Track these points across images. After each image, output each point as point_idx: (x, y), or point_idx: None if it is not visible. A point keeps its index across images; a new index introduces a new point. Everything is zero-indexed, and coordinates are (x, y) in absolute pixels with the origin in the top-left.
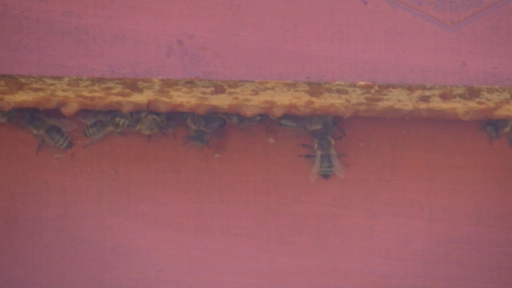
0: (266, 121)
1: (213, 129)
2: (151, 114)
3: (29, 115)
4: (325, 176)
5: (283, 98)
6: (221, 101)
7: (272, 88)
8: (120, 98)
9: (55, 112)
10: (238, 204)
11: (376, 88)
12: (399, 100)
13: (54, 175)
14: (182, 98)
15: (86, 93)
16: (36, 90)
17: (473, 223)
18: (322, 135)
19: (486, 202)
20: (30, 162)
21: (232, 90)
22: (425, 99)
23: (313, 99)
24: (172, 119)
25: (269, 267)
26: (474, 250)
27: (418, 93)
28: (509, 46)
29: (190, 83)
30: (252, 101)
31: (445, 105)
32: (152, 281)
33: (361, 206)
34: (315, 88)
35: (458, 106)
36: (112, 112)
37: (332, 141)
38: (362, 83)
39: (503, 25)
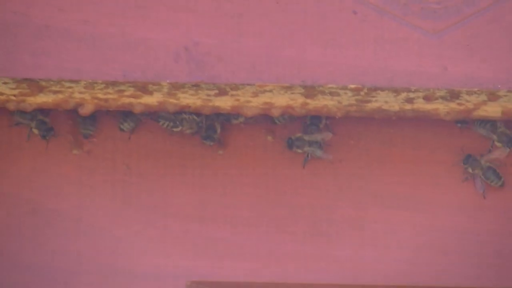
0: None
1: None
2: (191, 115)
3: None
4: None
5: (281, 100)
6: (224, 102)
7: (271, 91)
8: (132, 100)
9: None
10: (240, 196)
11: (365, 90)
12: (386, 101)
13: (72, 170)
14: (188, 99)
15: (100, 95)
16: (55, 92)
17: (454, 213)
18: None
19: (466, 194)
20: (50, 158)
21: (234, 92)
22: (410, 100)
23: (308, 100)
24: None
25: (268, 253)
26: (455, 238)
27: (403, 95)
28: (486, 52)
29: (196, 86)
30: (252, 102)
31: (428, 106)
32: (162, 265)
33: (351, 198)
34: (310, 91)
35: (440, 107)
36: (151, 114)
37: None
38: (352, 86)
39: (481, 33)
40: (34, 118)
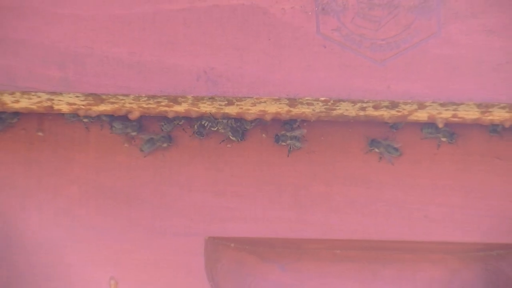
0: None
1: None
2: (226, 119)
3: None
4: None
5: (272, 108)
6: (231, 110)
7: (265, 102)
8: (166, 108)
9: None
10: (243, 177)
11: (332, 102)
12: (346, 109)
13: (124, 157)
14: (206, 108)
15: (144, 105)
16: (112, 103)
17: (397, 186)
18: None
19: (405, 170)
20: (109, 149)
21: (238, 103)
22: (363, 109)
23: (291, 109)
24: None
25: (262, 217)
26: (397, 206)
27: (358, 105)
28: (417, 75)
29: (211, 98)
30: (251, 110)
31: (376, 113)
32: (185, 226)
33: (322, 178)
34: (292, 102)
35: (385, 114)
36: (197, 118)
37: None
38: (322, 98)
39: (414, 61)
40: (130, 127)
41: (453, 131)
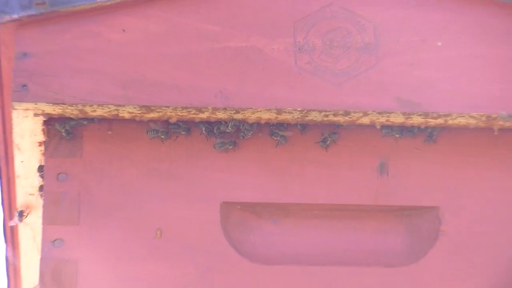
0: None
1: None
2: (246, 124)
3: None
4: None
5: (265, 115)
6: (237, 116)
7: (260, 111)
8: (194, 115)
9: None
10: (246, 161)
11: (305, 111)
12: (315, 116)
13: (165, 149)
14: (221, 115)
15: (179, 113)
16: (158, 112)
17: (348, 167)
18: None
19: (351, 156)
20: (154, 143)
21: (242, 112)
22: (326, 116)
23: (278, 116)
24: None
25: (259, 188)
26: (350, 181)
27: (323, 113)
28: (363, 92)
29: (224, 109)
30: (251, 117)
31: (335, 118)
32: (203, 192)
33: (299, 162)
34: (279, 111)
35: (340, 119)
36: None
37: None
38: (299, 109)
39: (361, 84)
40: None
41: (403, 129)
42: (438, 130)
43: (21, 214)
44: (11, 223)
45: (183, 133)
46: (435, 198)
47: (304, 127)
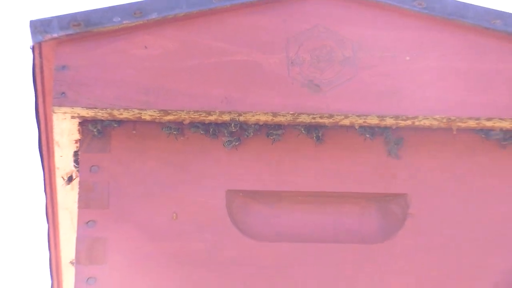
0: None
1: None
2: (241, 124)
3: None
4: None
5: (263, 118)
6: (240, 119)
7: (259, 114)
8: (204, 118)
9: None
10: (247, 155)
11: (296, 114)
12: (304, 118)
13: (177, 145)
14: (226, 118)
15: (192, 116)
16: (174, 115)
17: (330, 160)
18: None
19: (336, 149)
20: (169, 139)
21: (244, 114)
22: (314, 118)
23: (274, 118)
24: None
25: (258, 178)
26: (333, 171)
27: (311, 116)
28: (345, 99)
29: (229, 112)
30: (251, 119)
31: (321, 120)
32: (215, 179)
33: (291, 155)
34: (275, 114)
35: (326, 121)
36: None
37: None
38: (291, 112)
39: (342, 92)
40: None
41: (375, 131)
42: (401, 143)
43: (70, 179)
44: (62, 184)
45: (202, 132)
46: (404, 186)
47: (294, 128)
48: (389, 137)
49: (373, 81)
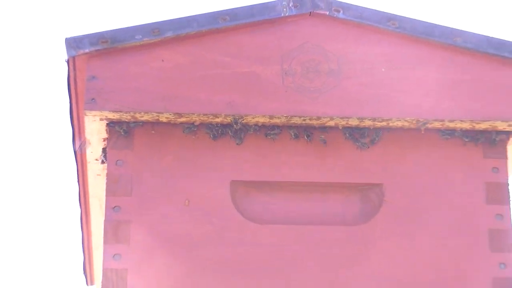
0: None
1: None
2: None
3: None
4: None
5: (261, 120)
6: (242, 120)
7: (258, 116)
8: (211, 120)
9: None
10: (248, 152)
11: (290, 117)
12: (297, 120)
13: (191, 141)
14: (230, 120)
15: (202, 118)
16: (186, 117)
17: (319, 155)
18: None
19: (323, 146)
20: (185, 137)
21: (245, 117)
22: (305, 120)
23: (270, 120)
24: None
25: (258, 171)
26: (318, 165)
27: (302, 118)
28: (331, 103)
29: (233, 115)
30: (252, 120)
31: (310, 122)
32: (222, 171)
33: (286, 151)
34: (271, 117)
35: (314, 122)
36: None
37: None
38: (285, 115)
39: (328, 98)
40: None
41: (353, 131)
42: (379, 135)
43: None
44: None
45: (211, 135)
46: (379, 177)
47: (289, 128)
48: (365, 135)
49: (355, 89)
